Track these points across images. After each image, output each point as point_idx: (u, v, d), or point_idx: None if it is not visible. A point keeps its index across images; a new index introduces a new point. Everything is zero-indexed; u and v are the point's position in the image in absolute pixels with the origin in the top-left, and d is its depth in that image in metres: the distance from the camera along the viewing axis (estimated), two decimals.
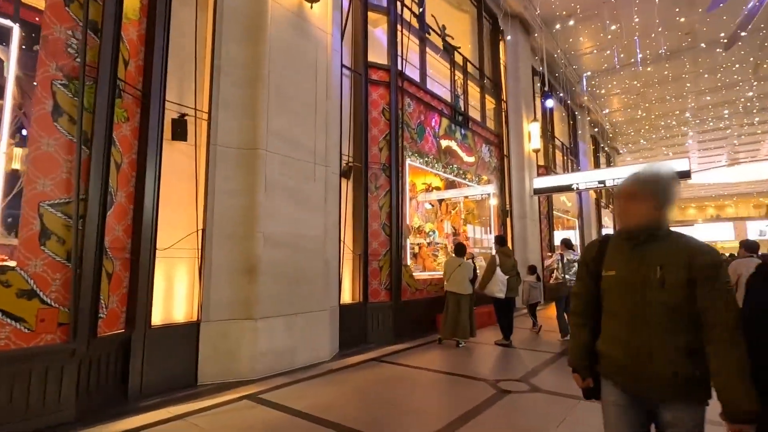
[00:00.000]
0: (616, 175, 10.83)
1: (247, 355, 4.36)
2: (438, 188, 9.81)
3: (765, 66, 13.94)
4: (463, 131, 9.19)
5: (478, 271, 6.63)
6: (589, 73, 14.33)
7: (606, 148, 23.42)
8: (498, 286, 5.91)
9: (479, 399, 3.81)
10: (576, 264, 6.78)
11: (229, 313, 4.34)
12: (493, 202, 10.61)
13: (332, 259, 5.62)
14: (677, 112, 17.64)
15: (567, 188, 11.66)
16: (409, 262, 7.21)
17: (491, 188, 10.53)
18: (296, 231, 4.96)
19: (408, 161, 7.43)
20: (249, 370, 4.34)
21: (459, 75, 9.37)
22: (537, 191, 12.03)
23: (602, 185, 11.04)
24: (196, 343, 4.19)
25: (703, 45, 12.52)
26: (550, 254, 13.93)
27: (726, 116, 17.85)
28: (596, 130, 20.79)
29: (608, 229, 24.04)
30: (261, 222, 4.55)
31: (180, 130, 4.32)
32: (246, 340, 4.37)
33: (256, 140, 4.63)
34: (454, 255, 6.58)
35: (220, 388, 4.05)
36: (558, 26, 12.48)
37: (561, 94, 15.26)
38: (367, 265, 6.48)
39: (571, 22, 12.06)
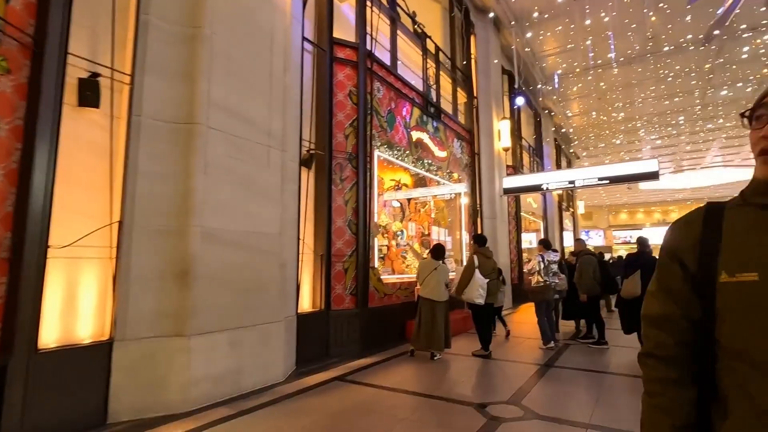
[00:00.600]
0: (586, 175, 10.63)
1: (178, 381, 3.44)
2: (407, 185, 9.14)
3: (712, 76, 14.46)
4: (435, 124, 8.58)
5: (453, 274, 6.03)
6: (560, 71, 14.22)
7: (567, 153, 23.80)
8: (477, 291, 5.29)
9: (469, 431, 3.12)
10: (556, 265, 6.32)
11: (153, 329, 3.40)
12: (464, 201, 10.09)
13: (289, 261, 4.77)
14: (636, 117, 18.05)
15: (536, 188, 11.38)
16: (377, 264, 6.47)
17: (463, 187, 10.00)
18: (246, 226, 4.08)
19: (377, 152, 6.70)
20: (180, 401, 3.43)
21: (431, 63, 8.77)
22: (507, 191, 11.67)
23: (572, 185, 10.82)
24: (106, 370, 3.22)
25: (667, 48, 12.66)
26: (528, 260, 13.73)
27: (681, 123, 18.47)
28: (562, 131, 21.02)
29: (569, 232, 24.49)
30: (198, 214, 3.64)
31: (91, 94, 3.34)
32: (176, 363, 3.44)
33: (193, 112, 3.72)
34: (430, 257, 5.87)
35: (138, 428, 3.12)
36: (528, 24, 12.21)
37: (527, 96, 15.09)
38: (330, 267, 5.67)
39: (536, 15, 11.82)
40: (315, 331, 5.32)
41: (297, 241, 5.07)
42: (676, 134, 20.20)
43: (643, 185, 33.69)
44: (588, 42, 12.92)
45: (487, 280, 5.37)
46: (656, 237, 38.13)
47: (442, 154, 8.75)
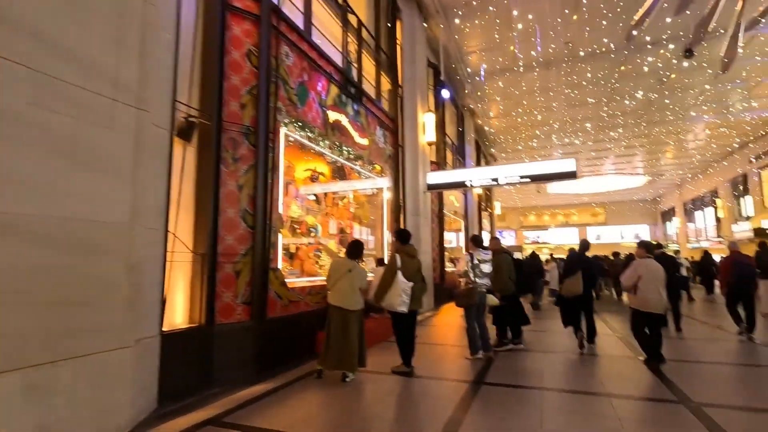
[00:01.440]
0: (509, 173, 10.46)
1: None
2: (323, 175, 8.08)
3: (617, 85, 15.51)
4: (355, 106, 7.63)
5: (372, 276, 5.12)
6: (485, 65, 14.11)
7: (487, 154, 24.40)
8: (400, 297, 4.44)
9: None
10: (488, 264, 5.71)
11: None
12: (387, 195, 9.29)
13: (147, 262, 3.46)
14: (551, 121, 18.87)
15: (461, 185, 10.99)
16: (280, 264, 5.33)
17: (386, 181, 9.19)
18: (65, 212, 2.74)
19: (284, 130, 5.56)
20: None
21: (352, 39, 7.80)
22: (431, 187, 11.15)
23: (495, 183, 10.59)
24: None
25: (582, 53, 13.09)
26: (451, 259, 13.32)
27: (589, 129, 19.71)
28: (485, 130, 21.38)
29: (487, 232, 25.16)
30: None
31: None
32: None
33: None
34: (345, 256, 4.87)
35: None
36: (455, 13, 11.82)
37: (452, 90, 14.83)
38: (215, 269, 4.43)
39: (461, 13, 11.48)
40: (191, 354, 4.06)
41: (164, 234, 3.78)
42: (582, 141, 21.56)
43: (550, 188, 36.21)
44: (513, 42, 12.94)
45: (412, 283, 4.54)
46: (560, 238, 41.06)
47: (364, 141, 7.84)
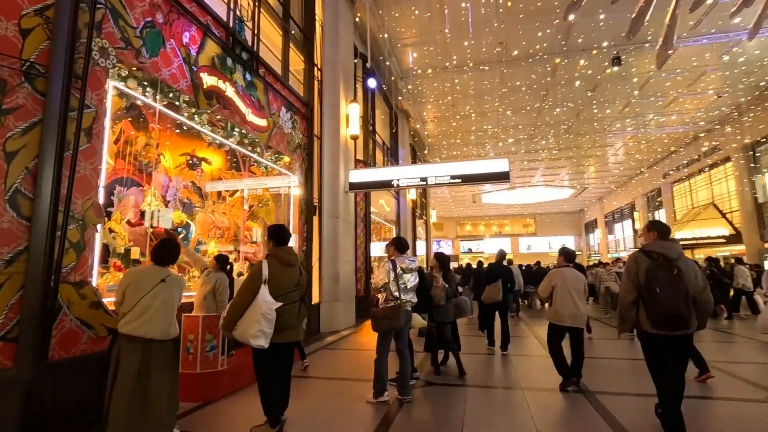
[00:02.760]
0: (439, 172, 9.39)
1: None
2: (206, 161, 6.40)
3: (549, 101, 15.38)
4: (248, 76, 6.06)
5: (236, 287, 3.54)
6: (415, 55, 13.11)
7: (423, 159, 23.68)
8: (257, 325, 2.93)
9: None
10: (414, 275, 4.40)
11: None
12: (295, 192, 7.77)
13: None
14: (485, 127, 18.47)
15: (387, 184, 9.74)
16: (96, 277, 3.61)
17: (297, 176, 7.67)
18: None
19: (113, 82, 3.88)
20: None
21: None
22: (354, 186, 9.78)
23: (424, 183, 9.47)
24: None
25: (516, 53, 12.55)
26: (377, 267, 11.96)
27: (522, 138, 19.62)
28: (415, 139, 20.56)
29: (422, 241, 24.34)
30: None
31: None
32: None
33: None
34: (152, 262, 3.14)
35: None
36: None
37: (379, 80, 13.69)
38: None
39: None
40: None
41: None
42: (515, 150, 21.51)
43: (485, 199, 36.62)
44: (445, 38, 12.09)
45: (279, 304, 3.06)
46: (494, 247, 41.90)
47: (261, 122, 6.28)
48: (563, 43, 11.71)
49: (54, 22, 3.23)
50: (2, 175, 2.95)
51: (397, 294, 4.23)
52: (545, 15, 10.63)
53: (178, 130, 5.71)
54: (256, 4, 6.37)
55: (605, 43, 11.79)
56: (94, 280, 3.59)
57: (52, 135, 3.15)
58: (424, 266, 14.16)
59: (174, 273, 3.19)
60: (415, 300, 4.39)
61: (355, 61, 11.65)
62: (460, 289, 10.83)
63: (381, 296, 4.40)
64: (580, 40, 11.72)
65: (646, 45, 11.85)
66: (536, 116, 17.25)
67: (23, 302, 2.95)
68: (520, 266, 14.05)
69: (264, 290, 3.06)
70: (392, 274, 4.27)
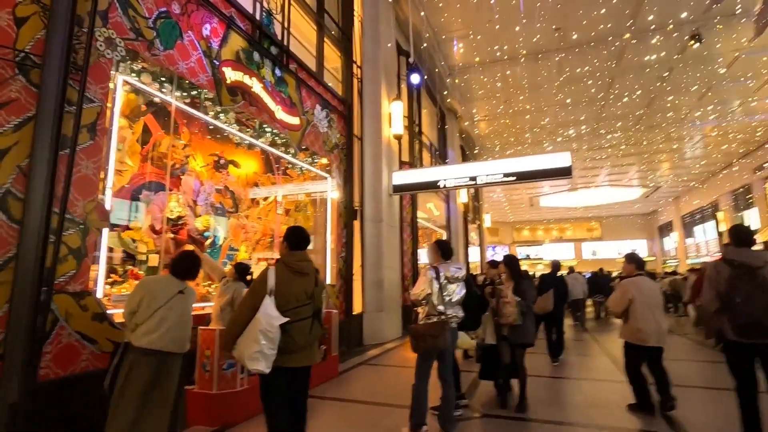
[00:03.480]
0: (490, 170, 8.55)
1: None
2: (234, 163, 6.12)
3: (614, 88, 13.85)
4: (278, 72, 5.71)
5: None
6: (462, 46, 12.30)
7: (473, 161, 22.60)
8: (256, 345, 2.39)
9: None
10: (460, 285, 3.72)
11: None
12: (332, 195, 7.32)
13: None
14: (543, 123, 17.12)
15: (432, 185, 9.04)
16: (102, 287, 3.31)
17: (335, 178, 7.24)
18: None
19: (123, 76, 3.61)
20: None
21: None
22: (397, 188, 9.19)
23: (474, 183, 8.67)
24: None
25: (574, 36, 11.35)
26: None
27: (583, 133, 17.99)
28: (465, 139, 19.63)
29: (475, 246, 23.18)
30: None
31: None
32: None
33: None
34: (169, 274, 2.88)
35: None
36: None
37: (422, 77, 13.05)
38: None
39: None
40: None
41: None
42: (577, 146, 19.84)
43: (544, 202, 34.51)
44: (494, 28, 11.23)
45: (284, 320, 2.52)
46: (554, 253, 39.25)
47: (292, 120, 5.89)
48: (631, 20, 10.39)
49: (51, 9, 2.96)
50: None
51: (441, 308, 3.55)
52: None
53: (203, 131, 5.46)
54: None
55: (683, 16, 10.28)
56: (100, 290, 3.28)
57: (47, 130, 2.87)
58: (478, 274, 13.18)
59: (191, 288, 2.92)
60: (461, 315, 3.69)
61: (399, 57, 11.16)
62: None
63: (421, 310, 3.73)
64: (651, 17, 10.33)
65: (735, 16, 10.21)
66: (600, 108, 15.68)
67: (10, 315, 2.65)
68: (583, 274, 12.75)
69: (268, 302, 2.53)
70: (435, 284, 3.60)
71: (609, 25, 10.72)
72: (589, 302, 12.45)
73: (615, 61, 12.44)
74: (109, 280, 3.93)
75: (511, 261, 4.34)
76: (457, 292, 3.69)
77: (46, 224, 2.81)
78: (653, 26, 10.86)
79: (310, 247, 3.00)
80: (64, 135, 2.99)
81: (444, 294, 3.60)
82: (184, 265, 2.91)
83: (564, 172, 8.06)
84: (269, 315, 2.48)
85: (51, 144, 2.87)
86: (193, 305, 3.05)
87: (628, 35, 11.06)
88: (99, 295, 3.29)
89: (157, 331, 2.62)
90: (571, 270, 11.41)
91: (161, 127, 4.95)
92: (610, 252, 39.47)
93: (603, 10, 9.89)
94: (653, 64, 12.44)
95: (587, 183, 30.18)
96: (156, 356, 2.61)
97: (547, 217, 41.71)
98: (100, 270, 3.29)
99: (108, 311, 3.30)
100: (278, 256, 2.84)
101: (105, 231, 3.34)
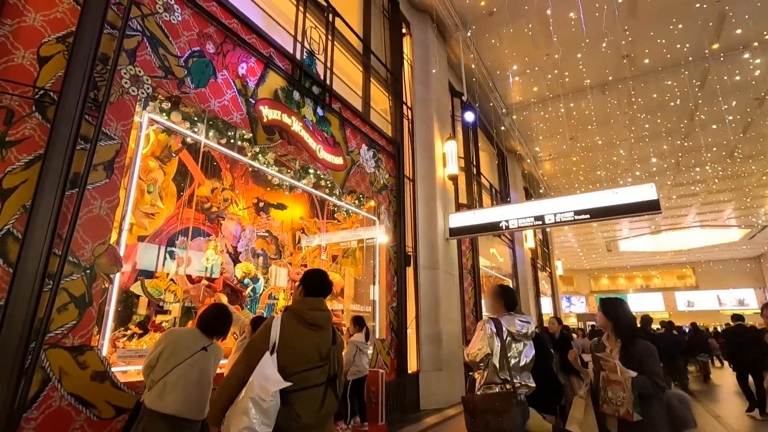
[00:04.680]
0: (558, 208, 7.58)
1: None
2: (280, 207, 5.86)
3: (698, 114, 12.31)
4: (320, 111, 5.50)
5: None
6: (518, 79, 11.70)
7: None
8: (244, 420, 1.76)
9: None
10: (528, 345, 2.90)
11: None
12: (381, 239, 6.78)
13: None
14: (616, 158, 15.67)
15: (494, 227, 8.18)
16: (107, 341, 2.94)
17: (384, 223, 6.75)
18: None
19: (148, 114, 3.48)
20: None
21: (315, 22, 5.89)
22: (454, 231, 8.47)
23: (540, 223, 7.71)
24: None
25: (646, 61, 10.35)
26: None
27: (665, 169, 16.13)
28: (529, 181, 18.52)
29: (547, 297, 21.10)
30: None
31: None
32: None
33: None
34: (194, 326, 2.56)
35: None
36: (479, 28, 9.87)
37: (476, 115, 12.53)
38: None
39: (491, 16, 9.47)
40: None
41: None
42: (658, 183, 17.82)
43: (624, 246, 31.33)
44: (554, 62, 10.63)
45: (288, 384, 1.87)
46: (641, 305, 34.92)
47: (335, 159, 5.58)
48: (714, 38, 9.27)
49: (73, 46, 2.89)
50: None
51: (505, 375, 2.72)
52: (686, 6, 8.54)
53: (247, 176, 5.28)
54: (329, 37, 5.96)
55: None
56: (105, 345, 2.92)
57: (56, 165, 2.67)
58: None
59: (217, 345, 2.60)
60: (532, 385, 2.81)
61: (452, 98, 10.85)
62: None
63: (479, 376, 2.92)
64: (739, 31, 9.14)
65: None
66: (683, 139, 14.04)
67: None
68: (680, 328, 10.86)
69: (267, 361, 1.94)
70: (496, 342, 2.79)
71: (687, 46, 9.65)
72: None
73: (698, 85, 11.11)
74: (128, 332, 3.61)
75: (615, 309, 2.66)
76: (525, 353, 2.84)
77: (44, 268, 2.53)
78: (742, 43, 9.60)
79: (337, 297, 2.42)
80: (76, 173, 2.80)
81: (508, 355, 2.78)
82: (216, 322, 2.65)
83: (649, 207, 6.88)
84: (265, 377, 1.88)
85: (60, 180, 2.66)
86: (219, 364, 2.62)
87: (707, 60, 9.85)
88: (104, 350, 2.93)
89: (173, 392, 2.33)
90: (670, 325, 9.64)
91: (202, 170, 4.83)
92: (709, 302, 34.37)
93: (680, 27, 8.90)
94: (746, 84, 10.93)
95: (673, 224, 27.12)
96: (169, 421, 2.30)
97: (629, 263, 37.76)
98: (107, 321, 2.94)
99: (113, 369, 2.90)
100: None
101: (116, 277, 3.04)
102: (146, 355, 2.51)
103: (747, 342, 6.66)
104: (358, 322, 4.90)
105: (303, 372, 2.00)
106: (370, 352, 4.94)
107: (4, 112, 2.64)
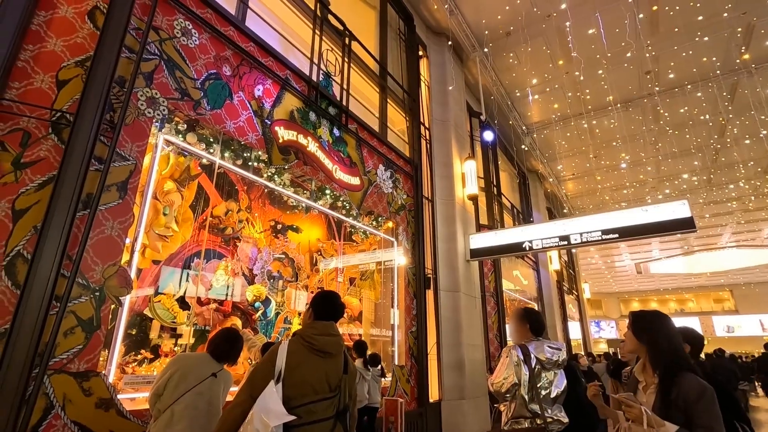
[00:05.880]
0: (584, 227, 7.26)
1: None
2: (295, 230, 5.79)
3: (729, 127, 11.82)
4: (336, 132, 5.47)
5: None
6: (537, 97, 11.52)
7: None
8: None
9: None
10: (559, 374, 2.68)
11: None
12: (400, 261, 6.61)
13: None
14: (643, 176, 15.16)
15: (516, 248, 7.89)
16: (115, 368, 2.85)
17: (402, 244, 6.60)
18: None
19: (164, 135, 3.49)
20: None
21: (331, 45, 5.94)
22: (475, 253, 8.22)
23: (566, 243, 7.39)
24: None
25: (671, 75, 10.06)
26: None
27: (696, 185, 15.49)
28: (553, 202, 18.08)
29: (575, 322, 20.23)
30: None
31: None
32: None
33: None
34: (207, 352, 2.50)
35: None
36: (498, 50, 9.86)
37: (495, 134, 12.37)
38: None
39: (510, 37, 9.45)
40: None
41: None
42: (690, 201, 17.10)
43: (654, 268, 30.04)
44: (575, 82, 10.48)
45: (290, 418, 1.71)
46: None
47: (352, 180, 5.51)
48: (742, 49, 8.95)
49: (91, 68, 2.93)
50: (4, 237, 2.48)
51: (535, 408, 2.49)
52: (711, 18, 8.32)
53: (264, 197, 5.26)
54: (345, 59, 6.00)
55: None
56: (112, 371, 2.82)
57: (69, 186, 2.66)
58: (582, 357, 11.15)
59: (228, 372, 2.49)
60: (565, 420, 2.55)
61: (470, 119, 10.78)
62: None
63: (504, 408, 2.69)
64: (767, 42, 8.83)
65: None
66: (714, 155, 13.50)
67: None
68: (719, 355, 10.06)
69: (271, 392, 1.79)
70: (524, 370, 2.57)
71: (714, 59, 9.35)
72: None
73: (728, 99, 10.72)
74: (139, 356, 3.53)
75: (652, 326, 1.84)
76: (556, 383, 2.61)
77: (51, 290, 2.48)
78: None
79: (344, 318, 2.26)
80: (89, 194, 2.78)
81: (538, 385, 2.55)
82: (223, 345, 2.52)
83: (682, 225, 6.53)
84: (267, 409, 1.73)
85: (71, 200, 2.64)
86: (229, 391, 2.50)
87: (746, 61, 9.51)
88: (111, 376, 2.83)
89: (180, 422, 2.19)
90: (721, 352, 9.01)
91: (219, 192, 4.82)
92: (751, 327, 32.31)
93: (705, 39, 8.65)
94: None
95: (707, 245, 25.97)
96: None
97: (661, 285, 36.16)
98: (116, 345, 2.86)
99: (120, 396, 2.80)
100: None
101: (126, 300, 2.97)
102: (153, 381, 2.40)
103: None
104: (358, 348, 4.70)
105: (310, 404, 1.83)
106: (377, 379, 4.70)
107: (20, 133, 2.66)
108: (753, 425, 2.08)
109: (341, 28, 6.08)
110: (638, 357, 1.93)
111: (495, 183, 11.87)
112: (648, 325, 1.85)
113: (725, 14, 8.14)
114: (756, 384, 13.27)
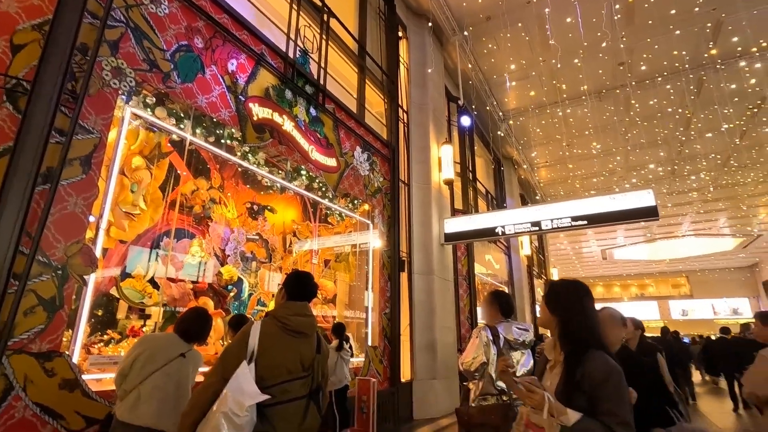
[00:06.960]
0: (555, 213, 7.46)
1: None
2: (270, 209, 5.70)
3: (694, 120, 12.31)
4: (313, 112, 5.37)
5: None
6: (514, 84, 11.64)
7: None
8: None
9: None
10: (526, 354, 2.79)
11: None
12: (374, 244, 6.63)
13: None
14: (612, 166, 15.65)
15: (489, 232, 8.06)
16: (79, 347, 2.76)
17: (378, 227, 6.61)
18: None
19: (131, 108, 3.33)
20: None
21: (309, 21, 5.77)
22: (450, 237, 8.33)
23: (537, 229, 7.59)
24: None
25: (644, 67, 10.34)
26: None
27: (661, 174, 16.12)
28: (526, 188, 18.46)
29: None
30: None
31: None
32: None
33: None
34: (173, 331, 2.42)
35: None
36: (476, 33, 9.83)
37: (473, 120, 12.45)
38: None
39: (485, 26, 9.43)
40: None
41: None
42: (654, 191, 17.81)
43: (619, 255, 31.31)
44: (551, 69, 10.59)
45: (264, 397, 1.72)
46: (634, 311, 35.03)
47: (328, 161, 5.44)
48: (710, 45, 9.26)
49: (50, 34, 2.74)
50: None
51: (502, 384, 2.60)
52: (683, 13, 8.53)
53: (237, 177, 5.13)
54: (323, 37, 5.84)
55: None
56: (77, 351, 2.74)
57: (27, 159, 2.51)
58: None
59: (197, 351, 2.44)
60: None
61: (448, 103, 10.78)
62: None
63: (473, 386, 2.79)
64: (735, 38, 9.15)
65: None
66: (679, 147, 14.05)
67: None
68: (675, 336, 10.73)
69: (244, 372, 1.78)
70: (493, 350, 2.68)
71: (684, 53, 9.64)
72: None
73: (694, 93, 11.11)
74: (105, 337, 3.43)
75: (561, 299, 1.67)
76: (523, 363, 2.72)
77: (9, 267, 2.36)
78: (739, 51, 9.61)
79: (316, 298, 2.26)
80: (50, 167, 2.63)
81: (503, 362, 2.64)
82: (192, 326, 2.47)
83: (647, 213, 6.80)
84: (241, 390, 1.72)
85: (30, 174, 2.50)
86: (198, 371, 2.46)
87: (713, 57, 9.84)
88: (76, 356, 2.75)
89: (147, 403, 2.16)
90: (676, 333, 9.55)
91: (190, 169, 4.67)
92: (704, 311, 34.40)
93: (677, 33, 8.88)
94: (741, 92, 10.94)
95: (668, 233, 27.17)
96: None
97: (624, 272, 37.86)
98: (80, 325, 2.76)
99: (85, 376, 2.72)
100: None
101: (91, 279, 2.86)
102: (120, 361, 2.34)
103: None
104: (336, 330, 4.77)
105: (283, 383, 1.83)
106: (350, 360, 4.78)
107: None
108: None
109: (319, 4, 5.90)
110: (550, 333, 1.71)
111: (471, 168, 11.99)
112: (561, 297, 1.64)
113: (696, 9, 8.36)
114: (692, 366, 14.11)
